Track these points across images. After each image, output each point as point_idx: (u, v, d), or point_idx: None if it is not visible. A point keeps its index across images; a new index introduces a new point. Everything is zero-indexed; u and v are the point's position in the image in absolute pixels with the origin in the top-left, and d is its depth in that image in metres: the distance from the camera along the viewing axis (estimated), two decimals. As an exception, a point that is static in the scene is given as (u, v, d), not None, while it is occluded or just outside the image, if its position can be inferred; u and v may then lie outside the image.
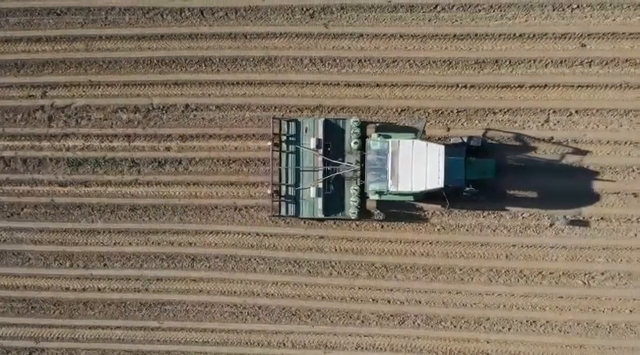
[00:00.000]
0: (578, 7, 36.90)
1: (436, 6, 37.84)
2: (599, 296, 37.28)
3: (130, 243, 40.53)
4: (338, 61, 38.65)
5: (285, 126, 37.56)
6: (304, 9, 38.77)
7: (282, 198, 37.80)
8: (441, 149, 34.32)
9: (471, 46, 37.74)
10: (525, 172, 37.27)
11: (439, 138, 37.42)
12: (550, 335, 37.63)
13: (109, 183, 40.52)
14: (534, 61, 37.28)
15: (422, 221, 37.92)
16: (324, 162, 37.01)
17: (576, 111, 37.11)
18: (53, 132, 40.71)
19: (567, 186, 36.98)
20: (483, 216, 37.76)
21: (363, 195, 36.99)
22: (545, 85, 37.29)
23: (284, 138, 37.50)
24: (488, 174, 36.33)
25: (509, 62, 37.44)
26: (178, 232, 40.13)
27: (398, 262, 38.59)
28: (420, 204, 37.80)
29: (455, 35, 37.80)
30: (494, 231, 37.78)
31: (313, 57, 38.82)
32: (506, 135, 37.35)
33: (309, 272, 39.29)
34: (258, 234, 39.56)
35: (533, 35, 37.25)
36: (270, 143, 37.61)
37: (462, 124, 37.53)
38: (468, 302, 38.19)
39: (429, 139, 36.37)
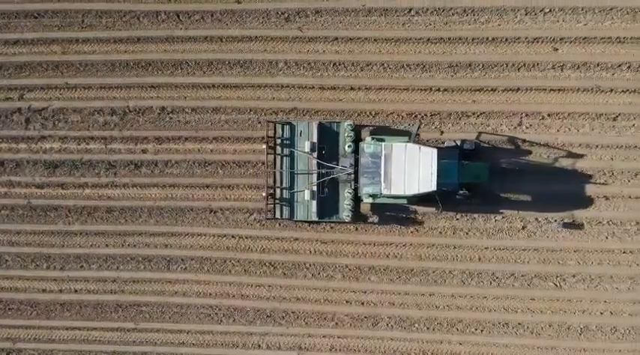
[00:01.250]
0: (550, 11, 36.69)
1: (410, 10, 37.59)
2: (570, 298, 37.00)
3: (107, 245, 40.19)
4: (313, 64, 38.34)
5: (280, 129, 37.10)
6: (279, 12, 38.51)
7: (277, 201, 37.31)
8: (433, 152, 33.77)
9: (445, 49, 37.48)
10: (519, 175, 36.80)
11: (428, 141, 37.15)
12: (522, 337, 37.35)
13: (85, 185, 40.17)
14: (507, 65, 36.99)
15: (394, 224, 37.78)
16: (319, 165, 36.55)
17: (548, 115, 36.88)
18: (30, 134, 40.37)
19: (559, 190, 36.64)
20: (456, 219, 37.49)
21: (357, 198, 36.54)
22: (518, 89, 37.03)
23: (278, 141, 37.06)
24: (481, 178, 35.85)
25: (483, 66, 37.18)
26: (154, 234, 39.80)
27: (372, 264, 38.29)
28: (401, 208, 37.70)
29: (428, 39, 37.51)
30: (466, 233, 37.56)
31: (288, 60, 38.55)
32: (500, 138, 37.01)
33: (284, 274, 39.01)
34: (233, 236, 39.26)
35: (506, 39, 36.97)
36: (264, 146, 37.12)
37: (435, 127, 37.34)
38: (441, 304, 37.92)
39: (422, 143, 36.10)
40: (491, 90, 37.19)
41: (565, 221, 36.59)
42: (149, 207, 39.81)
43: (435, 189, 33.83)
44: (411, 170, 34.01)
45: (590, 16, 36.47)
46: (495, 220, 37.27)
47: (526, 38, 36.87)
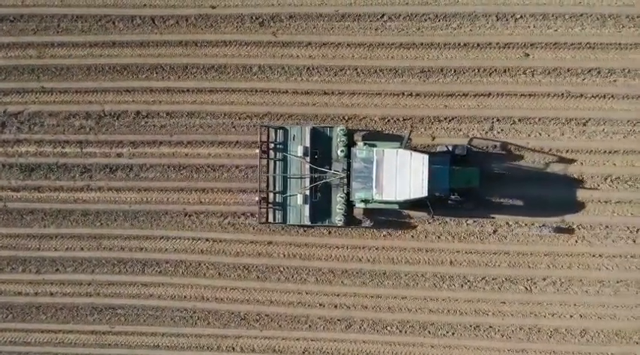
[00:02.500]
0: (521, 17, 36.61)
1: (382, 15, 37.46)
2: (540, 301, 36.91)
3: (82, 248, 39.83)
4: (286, 68, 38.15)
5: (273, 133, 36.63)
6: (254, 17, 38.30)
7: (270, 205, 36.85)
8: (425, 158, 33.46)
9: (417, 54, 37.34)
10: (510, 180, 36.61)
11: (420, 146, 37.02)
12: (493, 340, 37.19)
13: (61, 189, 39.82)
14: (479, 70, 36.90)
15: (367, 227, 37.67)
16: (311, 170, 36.16)
17: (519, 120, 36.77)
18: (6, 138, 39.97)
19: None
20: (429, 223, 37.44)
21: (349, 203, 36.12)
22: (489, 94, 36.92)
23: (272, 145, 36.61)
24: (472, 183, 35.52)
25: (454, 71, 37.08)
26: (129, 237, 39.49)
27: (345, 268, 38.11)
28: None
29: (401, 44, 37.38)
30: (438, 237, 37.44)
31: (262, 65, 38.32)
32: (492, 143, 36.78)
33: (258, 277, 38.77)
34: (207, 240, 39.01)
35: (478, 44, 36.89)
36: (257, 150, 36.71)
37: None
38: (413, 307, 37.74)
39: (414, 148, 35.94)
40: (463, 95, 37.10)
41: (555, 225, 36.52)
42: (124, 210, 39.53)
43: (426, 194, 33.48)
44: (402, 176, 33.70)
45: (560, 22, 36.43)
46: (467, 224, 37.15)
47: (497, 44, 36.79)
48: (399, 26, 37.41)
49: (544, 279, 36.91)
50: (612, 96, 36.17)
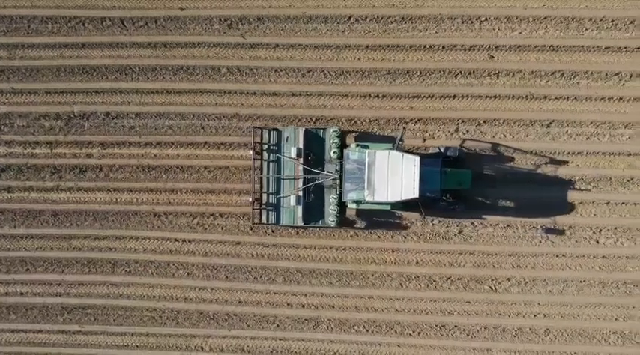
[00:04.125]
0: (486, 19, 36.49)
1: (350, 17, 37.27)
2: (505, 301, 36.77)
3: (52, 248, 39.48)
4: (255, 70, 37.87)
5: (266, 135, 36.20)
6: (222, 19, 38.05)
7: (263, 206, 36.43)
8: (416, 160, 33.14)
9: (384, 56, 37.15)
10: (502, 182, 36.38)
11: (412, 147, 36.89)
12: (458, 339, 37.05)
13: (31, 189, 39.44)
14: (444, 72, 36.70)
15: (334, 228, 37.49)
16: (305, 171, 35.77)
17: (484, 121, 36.63)
18: (-24, 138, 39.92)
19: (542, 196, 36.42)
20: (395, 223, 37.38)
21: (342, 204, 35.76)
22: (455, 96, 36.78)
23: (265, 146, 36.21)
24: (464, 185, 35.26)
25: (420, 73, 36.87)
26: (99, 238, 39.14)
27: (312, 268, 37.87)
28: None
29: (368, 46, 37.15)
30: (405, 237, 37.28)
31: (231, 66, 38.03)
32: (484, 145, 36.52)
33: (226, 277, 38.48)
34: (177, 240, 38.69)
35: (443, 47, 36.70)
36: (251, 152, 36.32)
37: (375, 133, 37.16)
38: (380, 306, 37.57)
39: (406, 149, 35.68)
40: (429, 96, 36.93)
41: (547, 226, 36.33)
42: (94, 210, 39.20)
43: (417, 196, 33.17)
44: (394, 177, 33.41)
45: (524, 25, 36.30)
46: (433, 224, 37.07)
47: (462, 46, 36.63)
48: (365, 28, 37.24)
49: (508, 279, 36.81)
50: (575, 98, 36.08)
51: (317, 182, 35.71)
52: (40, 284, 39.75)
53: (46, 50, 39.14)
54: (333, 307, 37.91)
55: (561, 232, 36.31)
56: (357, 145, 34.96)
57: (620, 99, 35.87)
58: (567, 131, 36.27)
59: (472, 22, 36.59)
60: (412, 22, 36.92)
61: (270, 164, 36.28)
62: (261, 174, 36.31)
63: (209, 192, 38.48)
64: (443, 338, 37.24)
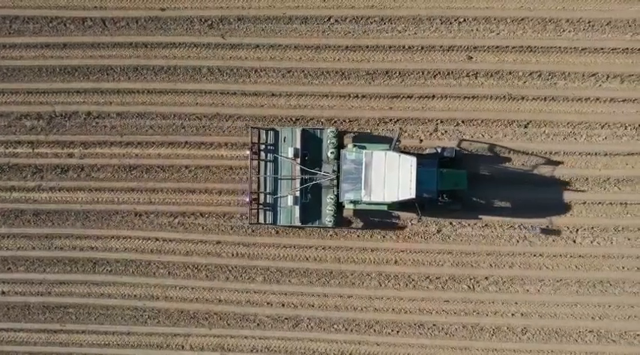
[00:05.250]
0: (464, 20, 36.44)
1: (329, 18, 37.18)
2: (482, 300, 36.68)
3: (34, 248, 39.24)
4: (235, 70, 37.70)
5: (264, 135, 35.96)
6: (203, 20, 37.91)
7: (261, 206, 36.18)
8: (413, 160, 33.08)
9: (363, 57, 37.03)
10: (498, 182, 36.25)
11: (408, 147, 36.63)
12: (436, 338, 36.93)
13: (12, 189, 39.19)
14: (423, 73, 36.60)
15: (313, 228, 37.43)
16: (302, 171, 35.55)
17: (463, 121, 36.55)
18: (-42, 138, 39.69)
19: (537, 197, 36.33)
20: (375, 223, 37.35)
21: (339, 204, 35.49)
22: (434, 96, 36.68)
23: (262, 146, 36.01)
24: (460, 185, 35.13)
25: (399, 73, 36.77)
26: (80, 237, 38.92)
27: (292, 267, 37.74)
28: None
29: (347, 47, 37.02)
30: (383, 237, 37.16)
31: (211, 66, 37.85)
32: (480, 146, 36.40)
33: (207, 276, 38.33)
34: (157, 239, 38.50)
35: (422, 47, 36.61)
36: (248, 152, 36.09)
37: (354, 132, 37.04)
38: (359, 305, 37.44)
39: (402, 150, 35.51)
40: (408, 97, 36.84)
41: (542, 226, 36.25)
42: (75, 210, 39.00)
43: (414, 196, 33.10)
44: (390, 177, 33.33)
45: (502, 26, 36.26)
46: (411, 224, 37.05)
47: (441, 46, 36.54)
48: (345, 29, 37.15)
49: (486, 278, 36.77)
50: (553, 98, 36.01)
51: (314, 182, 35.55)
52: (21, 284, 39.54)
53: (27, 50, 38.92)
54: (313, 306, 37.81)
55: (557, 232, 36.25)
56: (354, 146, 34.84)
57: (597, 99, 35.85)
58: (545, 131, 36.25)
59: (451, 23, 36.52)
60: (391, 23, 36.85)
61: (268, 164, 36.08)
62: (259, 174, 36.09)
63: (190, 191, 38.35)
64: (421, 337, 37.17)
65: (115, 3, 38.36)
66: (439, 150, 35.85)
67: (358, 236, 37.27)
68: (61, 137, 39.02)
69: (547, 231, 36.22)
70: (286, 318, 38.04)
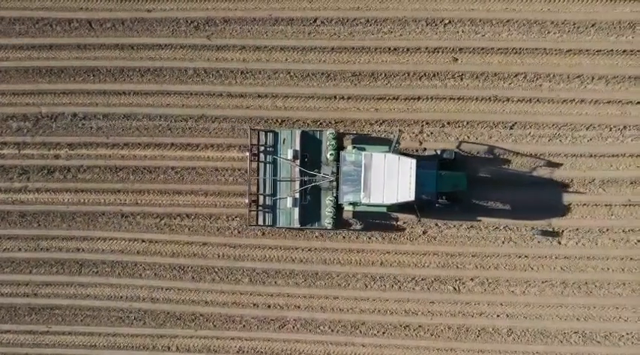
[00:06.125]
0: (450, 22, 36.24)
1: (315, 20, 36.98)
2: (468, 301, 36.49)
3: (20, 249, 38.96)
4: (221, 72, 37.45)
5: (263, 136, 35.68)
6: (189, 21, 37.65)
7: (260, 208, 35.87)
8: (412, 162, 32.88)
9: (349, 58, 36.79)
10: (498, 184, 36.00)
11: (407, 149, 36.38)
12: (422, 339, 36.72)
13: (-2, 190, 39.36)
14: (408, 74, 36.39)
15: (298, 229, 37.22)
16: (301, 173, 35.33)
17: (448, 123, 36.35)
18: (-56, 139, 39.41)
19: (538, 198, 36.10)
20: (359, 224, 37.15)
21: (339, 206, 35.25)
22: (419, 97, 36.48)
23: (262, 148, 35.78)
24: (459, 187, 34.92)
25: (385, 75, 36.54)
26: (67, 238, 38.64)
27: (278, 268, 37.53)
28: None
29: (333, 48, 36.77)
30: (369, 238, 36.96)
31: (197, 68, 37.63)
32: (480, 147, 36.14)
33: (193, 277, 38.13)
34: (144, 241, 38.26)
35: (408, 49, 36.39)
36: (248, 153, 35.83)
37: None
38: (345, 307, 37.21)
39: (402, 152, 35.31)
40: (393, 98, 36.64)
41: (542, 228, 36.00)
42: (62, 211, 38.74)
43: (413, 198, 32.93)
44: (390, 179, 33.14)
45: (488, 28, 36.08)
46: (397, 225, 36.91)
47: (427, 48, 36.35)
48: (331, 30, 36.95)
49: (472, 280, 36.61)
50: (538, 100, 35.87)
51: (313, 184, 35.31)
52: (7, 285, 39.29)
53: (13, 51, 38.66)
54: (299, 307, 37.61)
55: (558, 234, 36.02)
56: (354, 147, 34.66)
57: (582, 101, 35.69)
58: (530, 133, 36.08)
59: (436, 25, 36.33)
60: (377, 25, 36.65)
61: (267, 166, 35.84)
62: (258, 176, 35.83)
63: (176, 192, 38.13)
64: (407, 338, 36.99)
65: (101, 4, 38.12)
66: (438, 152, 35.66)
67: (344, 237, 37.09)
68: (47, 138, 38.77)
69: (546, 233, 36.14)
70: (272, 319, 37.85)
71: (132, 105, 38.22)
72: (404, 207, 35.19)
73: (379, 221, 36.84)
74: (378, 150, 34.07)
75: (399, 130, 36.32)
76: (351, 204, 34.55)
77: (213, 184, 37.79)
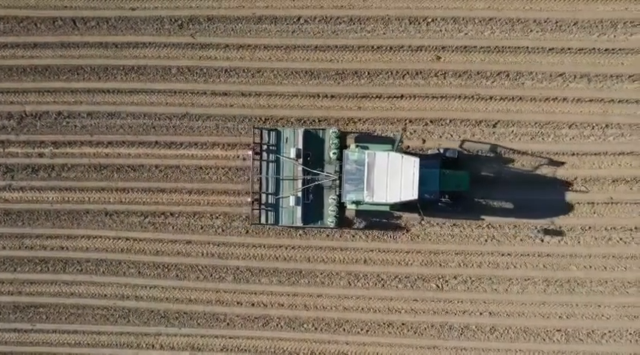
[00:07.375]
0: (433, 21, 36.05)
1: (299, 18, 36.76)
2: (451, 299, 36.25)
3: (4, 247, 38.58)
4: (205, 70, 37.16)
5: (266, 135, 35.37)
6: (173, 20, 37.40)
7: (262, 207, 35.59)
8: (415, 161, 32.57)
9: (332, 57, 36.53)
10: (501, 184, 35.73)
11: (409, 148, 36.08)
12: (405, 337, 36.55)
13: (-18, 189, 39.04)
14: (392, 73, 36.10)
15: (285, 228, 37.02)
16: (304, 172, 35.00)
17: (431, 121, 36.14)
18: None
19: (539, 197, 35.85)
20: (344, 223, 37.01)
21: (341, 204, 34.94)
22: (402, 96, 36.22)
23: (264, 147, 35.46)
24: (462, 187, 34.60)
25: (368, 73, 36.30)
26: (51, 236, 38.31)
27: (262, 266, 37.25)
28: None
29: (316, 46, 36.52)
30: (353, 236, 36.70)
31: (181, 66, 37.32)
32: (482, 147, 35.90)
33: (177, 276, 37.82)
34: (128, 239, 37.96)
35: (391, 47, 36.15)
36: (250, 152, 35.59)
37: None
38: (329, 305, 36.95)
39: (405, 151, 35.08)
40: (377, 96, 36.41)
41: (544, 227, 35.74)
42: (46, 209, 38.42)
43: (416, 197, 32.63)
44: (393, 178, 32.81)
45: (470, 26, 35.87)
46: (382, 222, 36.72)
47: (410, 47, 36.11)
48: (314, 29, 36.72)
49: (455, 278, 36.39)
50: (520, 98, 35.65)
51: (316, 183, 35.05)
52: (-9, 283, 39.17)
53: (-3, 50, 38.56)
54: (282, 305, 37.37)
55: (560, 233, 35.82)
56: (357, 146, 34.34)
57: (564, 99, 35.49)
58: (513, 131, 35.89)
59: (419, 23, 36.12)
60: (360, 23, 36.43)
61: (270, 164, 35.55)
62: (260, 174, 35.57)
63: (160, 191, 37.86)
64: (390, 336, 36.77)
65: (86, 3, 37.79)
66: (441, 151, 35.45)
67: (327, 235, 36.87)
68: (31, 137, 38.48)
69: (549, 231, 35.94)
70: (256, 318, 37.60)
71: (116, 103, 37.93)
72: (407, 206, 34.86)
73: (377, 220, 36.54)
74: (381, 149, 33.79)
75: (403, 129, 36.04)
76: (353, 202, 34.22)
77: (197, 182, 37.58)
